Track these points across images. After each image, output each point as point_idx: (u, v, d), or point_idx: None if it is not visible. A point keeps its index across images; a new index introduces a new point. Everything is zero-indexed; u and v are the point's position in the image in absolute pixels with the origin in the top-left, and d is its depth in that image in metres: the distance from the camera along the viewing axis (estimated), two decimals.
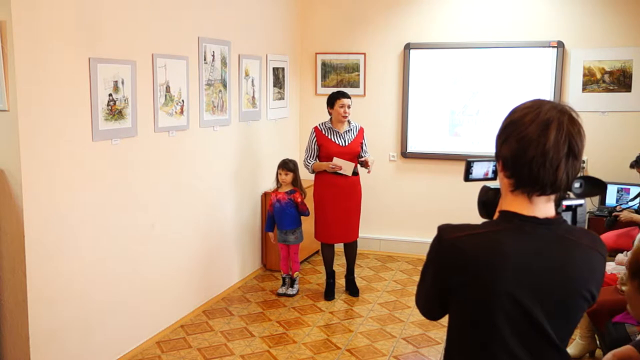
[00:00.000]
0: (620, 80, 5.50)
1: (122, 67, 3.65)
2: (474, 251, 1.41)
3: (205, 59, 4.54)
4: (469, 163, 1.67)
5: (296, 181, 5.02)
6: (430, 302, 1.55)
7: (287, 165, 4.99)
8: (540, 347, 1.42)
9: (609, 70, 5.50)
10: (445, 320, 1.54)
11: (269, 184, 5.49)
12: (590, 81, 5.56)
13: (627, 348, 2.60)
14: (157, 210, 4.11)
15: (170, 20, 4.13)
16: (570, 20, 5.56)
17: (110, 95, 3.58)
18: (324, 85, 6.29)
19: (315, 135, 4.92)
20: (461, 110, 5.97)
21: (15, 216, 3.08)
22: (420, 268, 1.56)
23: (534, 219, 1.42)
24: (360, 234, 5.19)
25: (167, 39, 4.10)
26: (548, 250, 1.41)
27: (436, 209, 6.01)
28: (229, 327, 4.42)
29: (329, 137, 4.88)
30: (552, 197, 1.44)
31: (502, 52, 5.75)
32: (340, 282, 5.30)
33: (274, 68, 5.74)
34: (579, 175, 1.45)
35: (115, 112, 3.63)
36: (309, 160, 4.93)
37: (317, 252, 5.99)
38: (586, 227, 1.61)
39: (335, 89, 5.53)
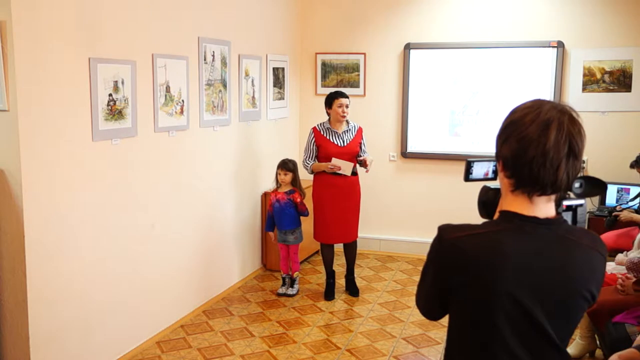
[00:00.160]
0: (620, 80, 5.50)
1: (122, 67, 3.65)
2: (474, 251, 1.41)
3: (205, 59, 4.54)
4: (469, 163, 1.67)
5: (295, 181, 5.02)
6: (430, 302, 1.55)
7: (286, 166, 4.99)
8: (541, 347, 1.42)
9: (609, 70, 5.50)
10: (445, 320, 1.54)
11: (269, 184, 5.49)
12: (590, 81, 5.56)
13: (630, 351, 2.61)
14: (157, 210, 4.11)
15: (170, 20, 4.13)
16: (570, 20, 5.56)
17: (110, 95, 3.58)
18: (324, 85, 6.28)
19: (314, 136, 4.92)
20: (461, 110, 5.97)
21: (15, 216, 3.08)
22: (420, 268, 1.56)
23: (535, 219, 1.42)
24: (360, 234, 5.19)
25: (167, 39, 4.10)
26: (548, 250, 1.41)
27: (436, 209, 6.01)
28: (229, 327, 4.42)
29: (328, 137, 4.88)
30: (553, 197, 1.44)
31: (502, 52, 5.75)
32: (340, 282, 5.30)
33: (274, 68, 5.74)
34: (579, 175, 1.45)
35: (115, 112, 3.63)
36: (307, 161, 4.93)
37: (317, 252, 5.99)
38: (586, 227, 1.62)
39: (335, 89, 5.53)
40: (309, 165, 4.92)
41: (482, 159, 1.68)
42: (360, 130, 4.97)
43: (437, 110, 6.02)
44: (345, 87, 6.17)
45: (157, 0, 3.99)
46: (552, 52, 5.60)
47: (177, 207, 4.33)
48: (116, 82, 3.62)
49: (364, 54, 6.15)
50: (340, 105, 4.82)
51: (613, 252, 4.20)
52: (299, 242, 5.08)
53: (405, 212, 6.21)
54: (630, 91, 5.48)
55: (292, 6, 6.12)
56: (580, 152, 1.38)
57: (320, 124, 4.96)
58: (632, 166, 4.66)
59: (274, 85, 5.78)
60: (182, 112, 4.30)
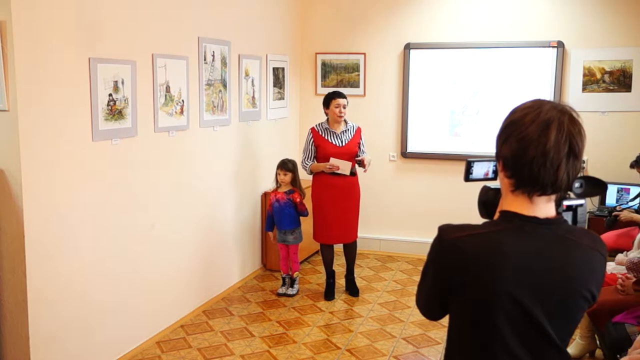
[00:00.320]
0: (620, 80, 5.50)
1: (122, 67, 3.65)
2: (475, 251, 1.41)
3: (205, 59, 4.54)
4: (469, 163, 1.67)
5: (295, 181, 5.02)
6: (430, 302, 1.55)
7: (286, 166, 4.99)
8: (541, 347, 1.42)
9: (609, 70, 5.50)
10: (445, 320, 1.54)
11: (269, 184, 5.49)
12: (590, 81, 5.56)
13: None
14: (157, 210, 4.11)
15: (170, 20, 4.13)
16: (570, 20, 5.56)
17: (110, 95, 3.58)
18: (324, 85, 6.28)
19: (312, 136, 4.92)
20: (461, 110, 5.97)
21: (15, 216, 3.08)
22: (421, 268, 1.56)
23: (535, 219, 1.42)
24: (360, 234, 5.19)
25: (167, 39, 4.10)
26: (548, 250, 1.41)
27: (436, 209, 6.01)
28: (229, 327, 4.42)
29: (326, 137, 4.88)
30: (553, 197, 1.44)
31: (502, 52, 5.75)
32: (340, 282, 5.30)
33: (274, 68, 5.74)
34: (579, 175, 1.45)
35: (115, 112, 3.63)
36: (306, 162, 4.93)
37: (317, 252, 5.99)
38: (586, 227, 1.62)
39: (334, 89, 5.53)
40: (308, 166, 4.92)
41: (482, 159, 1.68)
42: (359, 130, 4.97)
43: (437, 110, 6.02)
44: (345, 87, 6.17)
45: (157, 0, 3.99)
46: (552, 52, 5.60)
47: (177, 207, 4.33)
48: (116, 82, 3.62)
49: (364, 54, 6.15)
50: (338, 106, 4.82)
51: (613, 252, 4.20)
52: (299, 242, 5.08)
53: (405, 212, 6.20)
54: (630, 91, 5.48)
55: (292, 6, 6.12)
56: (580, 152, 1.38)
57: (319, 124, 4.96)
58: (632, 166, 4.66)
59: (274, 85, 5.78)
60: (182, 112, 4.30)
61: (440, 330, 4.34)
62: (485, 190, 1.58)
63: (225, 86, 4.86)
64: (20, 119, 3.01)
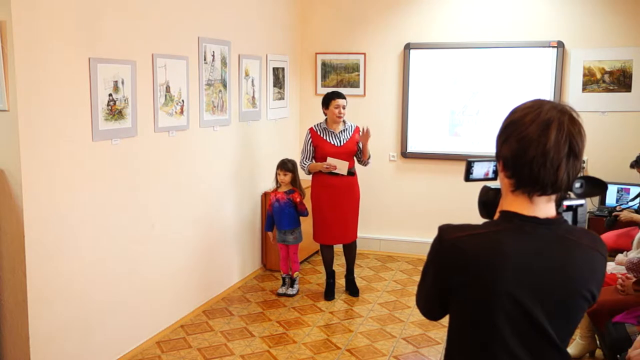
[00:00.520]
0: (620, 80, 5.50)
1: (122, 67, 3.65)
2: (475, 251, 1.41)
3: (205, 59, 4.54)
4: (469, 163, 1.67)
5: (295, 181, 5.02)
6: (430, 302, 1.55)
7: (285, 166, 4.99)
8: (541, 347, 1.42)
9: (609, 70, 5.50)
10: (445, 320, 1.54)
11: (269, 184, 5.49)
12: (590, 81, 5.56)
13: None
14: (157, 210, 4.11)
15: (170, 20, 4.13)
16: (570, 20, 5.56)
17: (110, 95, 3.58)
18: (324, 85, 6.28)
19: (311, 137, 4.92)
20: (461, 110, 5.97)
21: (15, 216, 3.08)
22: (421, 268, 1.56)
23: (535, 219, 1.42)
24: (360, 234, 5.19)
25: (167, 39, 4.10)
26: (548, 251, 1.40)
27: (436, 209, 6.01)
28: (229, 327, 4.42)
29: (324, 137, 4.88)
30: (553, 197, 1.43)
31: (502, 52, 5.75)
32: (340, 282, 5.30)
33: (274, 68, 5.74)
34: (579, 175, 1.45)
35: (115, 112, 3.63)
36: (305, 162, 4.93)
37: (317, 252, 5.99)
38: (586, 227, 1.61)
39: (334, 89, 5.53)
40: (306, 166, 4.92)
41: (483, 159, 1.68)
42: (357, 129, 4.97)
43: (437, 110, 6.02)
44: (345, 87, 6.17)
45: (157, 0, 3.99)
46: (552, 52, 5.60)
47: (177, 207, 4.33)
48: (116, 82, 3.62)
49: (364, 54, 6.15)
50: (337, 107, 4.82)
51: (613, 252, 4.20)
52: (299, 242, 5.08)
53: (405, 212, 6.20)
54: (630, 91, 5.48)
55: (292, 6, 6.12)
56: (580, 152, 1.38)
57: (317, 124, 4.96)
58: (632, 166, 4.66)
59: (274, 85, 5.78)
60: (182, 112, 4.30)
61: (440, 330, 4.34)
62: (485, 190, 1.58)
63: (225, 86, 4.86)
64: (20, 119, 3.01)
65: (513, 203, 1.44)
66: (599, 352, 3.85)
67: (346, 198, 4.91)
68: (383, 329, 4.43)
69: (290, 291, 5.05)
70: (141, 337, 4.04)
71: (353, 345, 4.15)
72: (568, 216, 1.56)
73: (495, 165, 1.57)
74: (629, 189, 5.24)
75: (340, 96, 4.86)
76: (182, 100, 4.29)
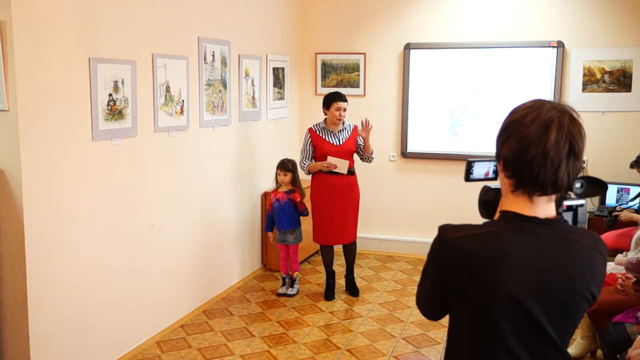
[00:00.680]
0: (620, 80, 5.50)
1: (122, 67, 3.65)
2: (475, 251, 1.41)
3: (205, 59, 4.54)
4: (469, 163, 1.67)
5: (295, 181, 5.02)
6: (430, 302, 1.55)
7: (285, 166, 4.99)
8: (541, 347, 1.42)
9: (609, 70, 5.50)
10: (445, 320, 1.54)
11: (269, 184, 5.49)
12: (590, 81, 5.56)
13: None
14: (157, 210, 4.11)
15: (170, 20, 4.13)
16: (570, 20, 5.56)
17: (110, 95, 3.58)
18: (324, 85, 6.28)
19: (310, 136, 4.92)
20: (461, 110, 5.97)
21: (15, 216, 3.08)
22: (421, 268, 1.56)
23: (535, 219, 1.42)
24: (360, 234, 5.18)
25: (167, 39, 4.10)
26: (549, 251, 1.40)
27: (436, 209, 6.01)
28: (229, 327, 4.42)
29: (323, 137, 4.88)
30: (553, 197, 1.43)
31: (502, 52, 5.75)
32: (340, 282, 5.30)
33: (274, 68, 5.74)
34: (579, 175, 1.45)
35: (115, 112, 3.63)
36: (304, 162, 4.93)
37: (317, 252, 5.99)
38: (586, 227, 1.61)
39: (335, 89, 5.52)
40: (306, 166, 4.92)
41: (483, 159, 1.68)
42: (355, 128, 4.97)
43: (437, 110, 6.02)
44: (345, 87, 6.17)
45: (157, 0, 3.99)
46: (552, 52, 5.60)
47: (177, 207, 4.33)
48: (116, 82, 3.62)
49: (364, 54, 6.15)
50: (338, 109, 4.83)
51: (613, 252, 4.20)
52: (299, 242, 5.08)
53: (405, 212, 6.20)
54: (630, 91, 5.48)
55: (292, 6, 6.12)
56: (580, 152, 1.38)
57: (316, 124, 4.97)
58: (632, 166, 4.66)
59: (274, 85, 5.78)
60: (182, 112, 4.30)
61: (440, 330, 4.34)
62: (485, 190, 1.58)
63: (225, 86, 4.86)
64: (20, 119, 3.01)
65: (513, 203, 1.44)
66: (599, 352, 3.85)
67: (346, 198, 4.91)
68: (383, 329, 4.43)
69: (290, 291, 5.05)
70: (141, 337, 4.04)
71: (353, 345, 4.15)
72: (568, 216, 1.56)
73: (496, 165, 1.57)
74: (629, 189, 5.24)
75: (342, 99, 4.85)
76: (182, 100, 4.29)
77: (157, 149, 4.07)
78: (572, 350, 3.82)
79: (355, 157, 5.01)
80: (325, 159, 4.81)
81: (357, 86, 6.21)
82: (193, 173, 4.51)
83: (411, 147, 6.13)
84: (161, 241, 4.17)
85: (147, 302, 4.07)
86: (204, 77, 4.54)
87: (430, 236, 1.53)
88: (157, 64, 3.99)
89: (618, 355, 3.08)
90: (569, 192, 1.51)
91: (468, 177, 1.68)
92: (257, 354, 4.00)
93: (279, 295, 5.04)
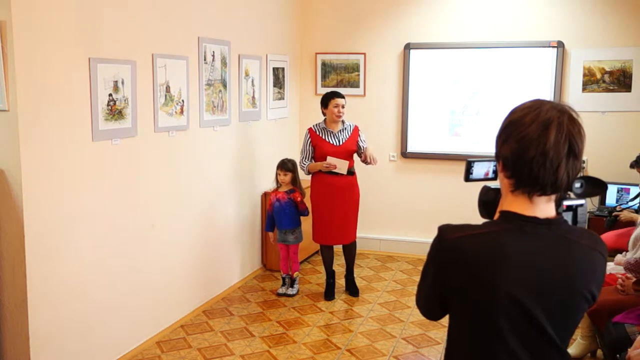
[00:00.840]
0: (620, 80, 5.50)
1: (122, 67, 3.65)
2: (475, 251, 1.41)
3: (205, 59, 4.54)
4: (469, 163, 1.67)
5: (295, 181, 5.02)
6: (430, 302, 1.55)
7: (285, 166, 4.99)
8: (541, 347, 1.42)
9: (609, 70, 5.50)
10: (445, 320, 1.54)
11: (269, 184, 5.49)
12: (590, 81, 5.56)
13: None
14: (157, 210, 4.11)
15: (170, 20, 4.13)
16: (570, 20, 5.56)
17: (110, 95, 3.58)
18: (324, 85, 6.28)
19: (310, 137, 4.92)
20: (461, 110, 5.97)
21: (15, 216, 3.08)
22: (421, 268, 1.56)
23: (535, 219, 1.42)
24: (360, 234, 5.18)
25: (167, 39, 4.10)
26: (549, 251, 1.40)
27: (436, 209, 6.01)
28: (229, 327, 4.42)
29: (323, 137, 4.88)
30: (553, 197, 1.43)
31: (502, 52, 5.75)
32: (340, 282, 5.30)
33: (274, 68, 5.74)
34: (579, 175, 1.45)
35: (115, 112, 3.63)
36: (304, 162, 4.93)
37: (317, 252, 5.99)
38: (586, 227, 1.61)
39: (334, 89, 5.53)
40: (305, 166, 4.92)
41: (483, 159, 1.68)
42: (356, 128, 4.97)
43: (437, 110, 6.02)
44: (345, 87, 6.17)
45: (157, 0, 3.99)
46: (552, 52, 5.60)
47: (177, 207, 4.33)
48: (116, 82, 3.62)
49: (364, 54, 6.15)
50: (336, 106, 4.82)
51: (613, 252, 4.20)
52: (299, 242, 5.08)
53: (405, 212, 6.20)
54: (630, 91, 5.48)
55: (292, 6, 6.12)
56: (580, 152, 1.38)
57: (316, 124, 4.96)
58: (632, 166, 4.66)
59: (274, 85, 5.78)
60: (182, 112, 4.30)
61: (440, 330, 4.34)
62: (485, 190, 1.58)
63: (225, 86, 4.86)
64: (20, 119, 3.01)
65: (513, 203, 1.44)
66: (599, 352, 3.85)
67: (346, 198, 4.91)
68: (383, 329, 4.43)
69: (290, 291, 5.05)
70: (141, 337, 4.04)
71: (353, 345, 4.15)
72: (568, 216, 1.56)
73: (495, 165, 1.57)
74: (629, 189, 5.24)
75: (339, 96, 4.86)
76: (182, 100, 4.30)
77: (157, 149, 4.07)
78: (572, 350, 3.82)
79: (355, 157, 5.00)
80: (325, 159, 4.81)
81: (357, 86, 6.21)
82: (193, 173, 4.51)
83: (411, 147, 6.13)
84: (161, 241, 4.17)
85: (147, 302, 4.07)
86: (204, 77, 4.54)
87: (430, 236, 1.53)
88: (157, 64, 3.99)
89: (618, 355, 3.08)
90: (569, 192, 1.51)
91: (468, 177, 1.68)
92: (257, 354, 4.00)
93: (279, 295, 5.04)
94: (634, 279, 3.45)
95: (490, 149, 1.49)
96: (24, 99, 3.02)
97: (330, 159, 4.78)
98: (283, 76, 5.95)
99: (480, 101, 5.89)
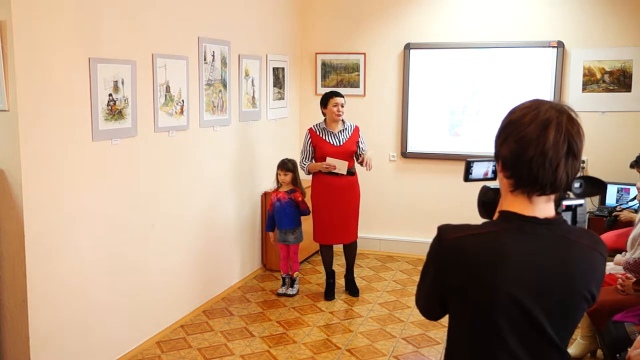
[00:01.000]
0: (620, 80, 5.50)
1: (122, 67, 3.65)
2: (475, 251, 1.41)
3: (205, 59, 4.54)
4: (468, 163, 1.67)
5: (296, 181, 5.02)
6: (430, 302, 1.55)
7: (286, 166, 4.99)
8: (541, 347, 1.42)
9: (609, 70, 5.50)
10: (445, 320, 1.54)
11: (269, 184, 5.49)
12: (590, 81, 5.56)
13: None
14: (157, 210, 4.11)
15: (170, 20, 4.13)
16: (570, 20, 5.56)
17: (110, 95, 3.58)
18: (324, 85, 6.28)
19: (310, 137, 4.92)
20: (461, 110, 5.97)
21: (15, 216, 3.08)
22: (421, 268, 1.56)
23: (534, 219, 1.42)
24: (360, 234, 5.18)
25: (167, 39, 4.10)
26: (548, 251, 1.40)
27: (436, 209, 6.01)
28: (229, 327, 4.42)
29: (324, 137, 4.88)
30: (552, 197, 1.43)
31: (502, 52, 5.75)
32: (340, 282, 5.30)
33: (274, 68, 5.74)
34: (578, 175, 1.45)
35: (115, 112, 3.63)
36: (304, 162, 4.93)
37: (317, 252, 5.99)
38: (586, 227, 1.61)
39: (334, 89, 5.53)
40: (306, 166, 4.92)
41: (482, 159, 1.68)
42: (356, 129, 4.97)
43: (437, 110, 6.02)
44: (345, 87, 6.17)
45: (157, 0, 3.99)
46: (552, 52, 5.60)
47: (177, 207, 4.33)
48: (116, 82, 3.62)
49: (364, 54, 6.15)
50: (336, 105, 4.82)
51: (613, 252, 4.20)
52: (299, 242, 5.08)
53: (405, 212, 6.21)
54: (630, 91, 5.48)
55: (292, 6, 6.12)
56: (579, 151, 1.38)
57: (316, 124, 4.96)
58: (632, 166, 4.65)
59: (274, 85, 5.78)
60: (182, 112, 4.31)
61: (440, 330, 4.34)
62: (484, 190, 1.58)
63: (225, 86, 4.86)
64: (20, 119, 3.01)
65: (512, 203, 1.44)
66: (599, 352, 3.85)
67: (346, 198, 4.91)
68: (383, 329, 4.43)
69: (290, 291, 5.05)
70: (141, 337, 4.05)
71: (353, 345, 4.15)
72: (567, 216, 1.56)
73: (495, 165, 1.57)
74: (629, 189, 5.24)
75: (338, 95, 4.86)
76: (182, 100, 4.30)
77: (157, 149, 4.07)
78: (572, 350, 3.82)
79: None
80: (326, 160, 4.81)
81: (357, 86, 6.21)
82: (193, 173, 4.51)
83: (411, 147, 6.13)
84: (161, 241, 4.17)
85: (147, 302, 4.07)
86: (204, 77, 4.54)
87: (430, 236, 1.53)
88: (157, 64, 3.99)
89: (618, 355, 3.08)
90: (568, 192, 1.51)
91: (467, 177, 1.68)
92: (257, 354, 4.00)
93: (279, 295, 5.04)
94: (634, 279, 3.45)
95: (490, 149, 1.49)
96: (24, 99, 3.02)
97: (330, 160, 4.78)
98: (283, 76, 5.95)
99: (480, 101, 5.89)
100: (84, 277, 3.50)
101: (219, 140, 4.85)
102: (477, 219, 1.52)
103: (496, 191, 1.53)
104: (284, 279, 5.10)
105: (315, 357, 3.97)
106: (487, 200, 1.56)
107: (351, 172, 4.91)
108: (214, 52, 4.65)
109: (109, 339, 3.72)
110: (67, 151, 3.32)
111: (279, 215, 4.98)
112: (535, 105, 1.39)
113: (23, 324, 3.15)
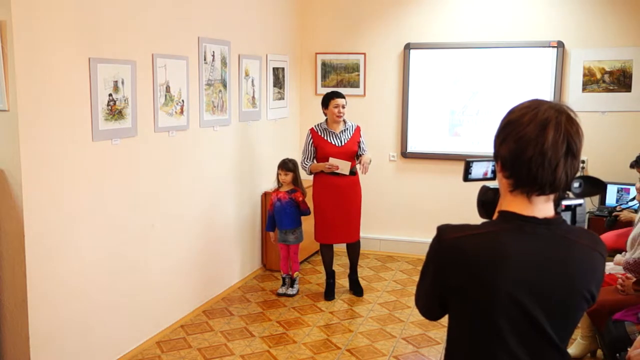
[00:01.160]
0: (620, 80, 5.50)
1: (122, 67, 3.65)
2: (474, 251, 1.41)
3: (205, 59, 4.54)
4: (468, 163, 1.67)
5: (296, 180, 5.02)
6: (430, 302, 1.55)
7: (286, 165, 5.00)
8: (541, 347, 1.42)
9: (609, 70, 5.50)
10: (445, 320, 1.54)
11: (269, 184, 5.49)
12: (590, 81, 5.56)
13: None
14: (157, 210, 4.11)
15: (170, 20, 4.14)
16: (570, 20, 5.56)
17: (110, 95, 3.58)
18: (324, 85, 6.28)
19: (312, 137, 4.91)
20: (461, 110, 5.97)
21: (15, 216, 3.08)
22: (420, 268, 1.56)
23: (534, 219, 1.42)
24: (360, 234, 5.18)
25: (167, 39, 4.10)
26: (548, 251, 1.40)
27: (436, 209, 6.01)
28: (229, 327, 4.42)
29: (325, 137, 4.88)
30: (551, 197, 1.43)
31: (502, 52, 5.75)
32: (340, 282, 5.30)
33: (274, 68, 5.74)
34: (578, 174, 1.45)
35: (115, 112, 3.64)
36: (306, 162, 4.93)
37: (317, 252, 5.99)
38: (586, 227, 1.61)
39: (334, 89, 5.53)
40: (307, 166, 4.92)
41: (481, 159, 1.68)
42: (358, 129, 4.97)
43: (437, 110, 6.02)
44: (345, 87, 6.17)
45: (157, 0, 3.99)
46: (552, 52, 5.60)
47: (177, 207, 4.33)
48: (116, 82, 3.62)
49: (364, 54, 6.15)
50: (337, 106, 4.82)
51: (613, 252, 4.20)
52: (300, 242, 5.08)
53: (405, 212, 6.21)
54: (630, 91, 5.48)
55: (292, 6, 6.12)
56: (578, 151, 1.38)
57: (318, 124, 4.96)
58: (632, 166, 4.65)
59: (274, 85, 5.78)
60: (182, 112, 4.31)
61: (440, 330, 4.34)
62: (484, 190, 1.58)
63: (225, 86, 4.86)
64: (20, 119, 3.01)
65: (512, 203, 1.44)
66: (599, 352, 3.85)
67: (349, 197, 4.91)
68: (383, 329, 4.43)
69: (290, 291, 5.05)
70: (141, 337, 4.05)
71: (353, 345, 4.15)
72: (567, 216, 1.56)
73: (494, 165, 1.57)
74: (629, 189, 5.24)
75: (339, 95, 4.86)
76: (182, 100, 4.30)
77: (157, 149, 4.07)
78: (572, 350, 3.82)
79: None
80: (327, 160, 4.81)
81: (357, 86, 6.21)
82: (193, 173, 4.51)
83: (411, 147, 6.13)
84: (161, 241, 4.17)
85: (147, 302, 4.07)
86: (204, 77, 4.54)
87: (430, 236, 1.53)
88: (157, 64, 3.99)
89: (618, 355, 3.09)
90: (568, 192, 1.51)
91: (467, 177, 1.68)
92: (257, 354, 4.00)
93: (279, 295, 5.04)
94: (634, 279, 3.45)
95: (490, 149, 1.49)
96: (24, 99, 3.02)
97: (333, 160, 4.78)
98: (283, 76, 5.95)
99: (480, 101, 5.89)
100: (84, 277, 3.50)
101: (219, 140, 4.85)
102: (477, 219, 1.52)
103: (495, 191, 1.53)
104: (284, 279, 5.10)
105: (315, 357, 3.97)
106: (487, 200, 1.56)
107: (353, 172, 4.91)
108: (214, 52, 4.65)
109: (109, 339, 3.73)
110: (67, 151, 3.32)
111: (279, 215, 4.98)
112: (534, 105, 1.39)
113: (23, 324, 3.15)
